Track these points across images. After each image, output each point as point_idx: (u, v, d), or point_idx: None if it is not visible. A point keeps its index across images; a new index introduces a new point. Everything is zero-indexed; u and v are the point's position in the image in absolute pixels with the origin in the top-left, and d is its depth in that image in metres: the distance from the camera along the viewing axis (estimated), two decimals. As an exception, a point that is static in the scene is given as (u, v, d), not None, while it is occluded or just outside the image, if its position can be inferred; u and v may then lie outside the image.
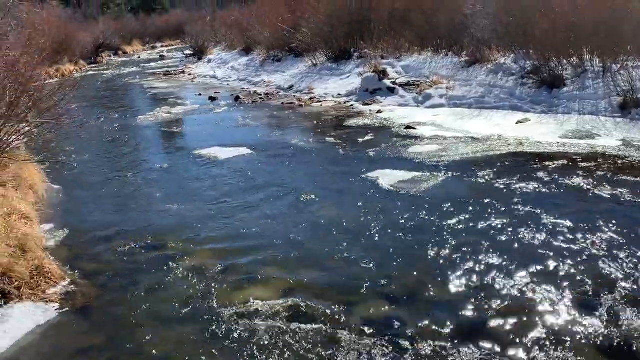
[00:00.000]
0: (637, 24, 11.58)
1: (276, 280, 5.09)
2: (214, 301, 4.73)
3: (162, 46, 44.35)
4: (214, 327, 4.34)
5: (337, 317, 4.42)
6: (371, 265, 5.24)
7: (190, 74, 24.04)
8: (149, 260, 5.62)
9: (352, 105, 14.15)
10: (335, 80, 16.91)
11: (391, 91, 14.30)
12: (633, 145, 8.58)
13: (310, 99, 15.49)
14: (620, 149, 8.46)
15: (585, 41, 12.17)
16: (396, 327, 4.25)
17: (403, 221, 6.21)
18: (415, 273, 5.07)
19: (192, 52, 30.56)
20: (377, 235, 5.92)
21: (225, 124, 12.88)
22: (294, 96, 16.21)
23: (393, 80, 14.70)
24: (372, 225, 6.16)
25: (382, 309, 4.53)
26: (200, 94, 17.46)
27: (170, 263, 5.49)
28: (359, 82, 15.28)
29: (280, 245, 5.82)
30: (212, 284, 5.02)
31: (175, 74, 24.43)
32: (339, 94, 15.47)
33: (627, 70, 10.97)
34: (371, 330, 4.20)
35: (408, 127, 10.95)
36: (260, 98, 16.31)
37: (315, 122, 12.38)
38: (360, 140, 10.35)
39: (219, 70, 23.50)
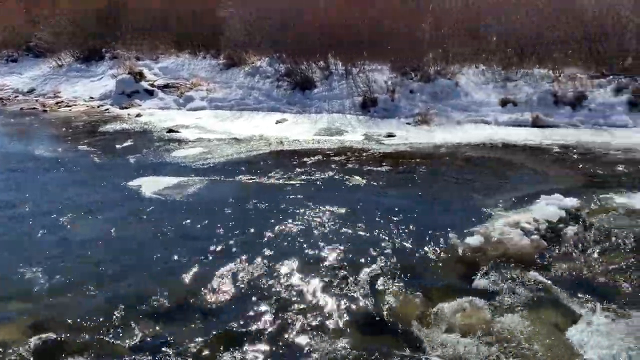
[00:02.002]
0: (372, 33, 13.15)
1: (22, 318, 4.33)
2: None
3: None
4: None
5: (96, 345, 3.95)
6: (129, 282, 4.83)
7: None
8: None
9: (107, 110, 13.08)
10: (85, 83, 15.45)
11: (150, 94, 13.65)
12: (373, 139, 9.71)
13: (57, 103, 13.86)
14: (364, 143, 9.49)
15: (330, 47, 13.36)
16: (164, 344, 3.99)
17: (167, 230, 5.91)
18: (181, 284, 4.85)
19: None
20: (139, 249, 5.50)
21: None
22: (37, 100, 14.33)
23: (151, 82, 14.05)
24: (135, 239, 5.72)
25: (150, 329, 4.20)
26: None
27: None
28: (113, 84, 14.21)
29: (24, 272, 4.99)
30: None
31: None
32: (92, 97, 14.17)
33: (365, 73, 12.41)
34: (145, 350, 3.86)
35: (171, 131, 10.57)
36: (-8, 104, 13.96)
37: (64, 129, 11.07)
38: (119, 146, 9.60)
39: None
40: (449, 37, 12.51)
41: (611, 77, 11.02)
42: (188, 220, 6.12)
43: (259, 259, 5.20)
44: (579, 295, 4.48)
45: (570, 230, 5.61)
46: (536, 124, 10.00)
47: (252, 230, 5.85)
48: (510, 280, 4.72)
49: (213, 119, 11.62)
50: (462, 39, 12.47)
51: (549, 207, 6.05)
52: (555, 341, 3.92)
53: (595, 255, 5.16)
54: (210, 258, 5.26)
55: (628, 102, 10.22)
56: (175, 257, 5.29)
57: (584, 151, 8.45)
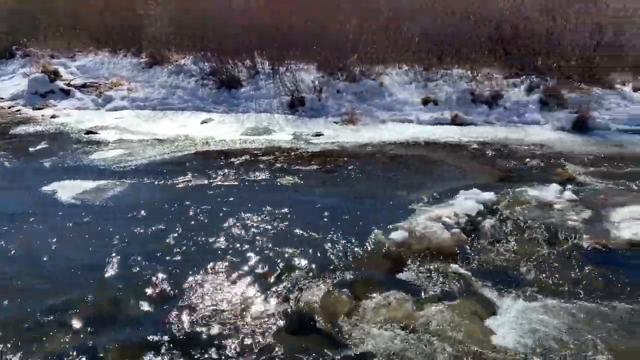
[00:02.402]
0: (298, 33, 13.16)
1: None
2: None
3: None
4: None
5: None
6: (41, 293, 4.56)
7: None
8: None
9: (19, 110, 12.27)
10: (-6, 82, 14.41)
11: (66, 93, 12.94)
12: (302, 138, 9.73)
13: (-39, 104, 12.82)
14: (292, 142, 9.49)
15: (256, 46, 13.25)
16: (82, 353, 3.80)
17: (85, 236, 5.63)
18: (99, 291, 4.63)
19: None
20: (53, 257, 5.21)
21: None
22: (-63, 101, 13.17)
23: (67, 82, 13.32)
24: (49, 247, 5.40)
25: (65, 339, 3.99)
26: None
27: None
28: (25, 84, 13.35)
29: None
30: None
31: None
32: (1, 98, 13.24)
33: (292, 73, 12.41)
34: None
35: (89, 132, 10.07)
36: None
37: (-32, 132, 10.27)
38: (32, 149, 9.03)
39: None
40: (373, 38, 12.75)
41: (524, 77, 11.70)
42: (108, 226, 5.86)
43: (183, 262, 5.07)
44: (497, 284, 4.71)
45: (488, 222, 5.88)
46: (456, 122, 10.41)
47: (175, 233, 5.69)
48: (433, 273, 4.88)
49: (135, 120, 11.19)
50: (385, 40, 12.76)
51: (468, 202, 6.31)
52: (475, 329, 4.09)
53: (511, 245, 5.44)
54: (131, 263, 5.06)
55: (539, 100, 10.87)
56: (93, 264, 5.05)
57: (500, 147, 8.90)
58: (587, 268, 4.97)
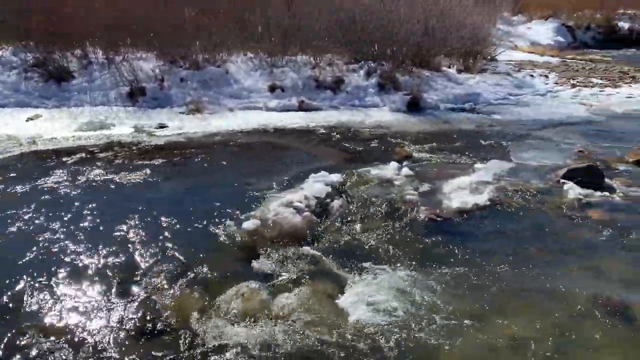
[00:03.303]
0: (132, 21, 12.34)
1: None
2: None
3: None
4: None
5: None
6: None
7: None
8: None
9: None
10: None
11: None
12: (144, 131, 9.19)
13: None
14: (133, 136, 8.91)
15: (87, 34, 12.16)
16: None
17: None
18: None
19: None
20: None
21: None
22: None
23: None
24: None
25: None
26: None
27: None
28: None
29: None
30: None
31: None
32: None
33: (129, 62, 11.63)
34: None
35: None
36: None
37: None
38: None
39: None
40: (213, 28, 12.44)
41: (362, 62, 12.30)
42: None
43: (15, 274, 4.49)
44: (346, 262, 4.89)
45: (336, 203, 6.09)
46: (302, 108, 10.62)
47: (-1, 246, 5.02)
48: (286, 258, 4.92)
49: (-58, 120, 9.66)
50: (225, 28, 12.52)
51: (317, 184, 6.46)
52: (328, 309, 4.20)
53: (357, 223, 5.69)
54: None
55: (377, 84, 11.53)
56: None
57: (345, 130, 9.27)
58: (424, 238, 5.38)
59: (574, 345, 3.81)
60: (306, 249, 5.11)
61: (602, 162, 7.53)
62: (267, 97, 11.05)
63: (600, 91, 12.68)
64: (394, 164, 7.26)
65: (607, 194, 6.46)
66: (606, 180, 6.84)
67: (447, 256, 5.03)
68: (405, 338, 3.84)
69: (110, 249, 5.02)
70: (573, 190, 6.47)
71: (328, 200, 6.18)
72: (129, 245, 5.10)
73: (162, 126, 9.48)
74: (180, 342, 3.80)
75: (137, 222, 5.57)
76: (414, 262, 4.90)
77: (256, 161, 7.73)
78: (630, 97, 12.12)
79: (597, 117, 10.41)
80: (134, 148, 8.22)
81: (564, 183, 6.69)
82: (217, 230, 5.40)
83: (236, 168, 7.39)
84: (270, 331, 3.90)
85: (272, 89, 11.24)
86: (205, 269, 4.73)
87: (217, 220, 5.60)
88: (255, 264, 4.83)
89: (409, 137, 8.87)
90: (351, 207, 6.05)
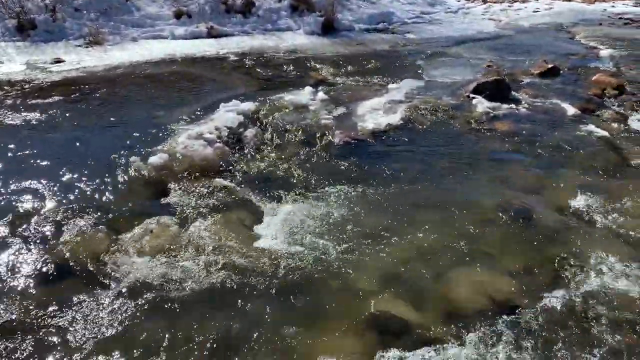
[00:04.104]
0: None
1: None
2: None
3: None
4: None
5: None
6: None
7: None
8: None
9: None
10: None
11: None
12: (38, 67, 8.40)
13: None
14: (26, 73, 8.13)
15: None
16: None
17: None
18: None
19: None
20: None
21: None
22: None
23: None
24: None
25: None
26: None
27: None
28: None
29: None
30: None
31: None
32: None
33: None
34: None
35: None
36: None
37: None
38: None
39: None
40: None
41: (273, -17, 11.70)
42: None
43: None
44: (262, 191, 4.79)
45: (250, 132, 5.90)
46: (212, 34, 10.07)
47: None
48: (196, 192, 4.75)
49: None
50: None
51: (229, 114, 6.22)
52: (243, 238, 4.12)
53: (273, 151, 5.56)
54: None
55: (290, 6, 11.08)
56: None
57: (257, 56, 8.92)
58: (339, 161, 5.36)
59: (479, 251, 3.99)
60: (218, 180, 4.94)
61: (509, 76, 7.74)
62: (173, 25, 10.36)
63: (509, 6, 12.91)
64: (308, 89, 7.10)
65: (513, 106, 6.69)
66: (512, 92, 7.06)
67: (361, 177, 5.05)
68: (320, 259, 3.85)
69: (7, 191, 4.62)
70: (481, 104, 6.63)
71: (241, 129, 5.98)
72: (29, 188, 4.71)
73: (57, 61, 8.70)
74: (89, 283, 3.62)
75: (35, 164, 5.15)
76: (329, 186, 4.88)
77: (163, 93, 7.30)
78: (537, 11, 12.44)
79: (505, 31, 10.63)
80: (26, 86, 7.51)
81: (473, 97, 6.84)
82: (122, 168, 5.09)
83: (141, 102, 6.96)
84: (178, 264, 3.78)
85: (178, 15, 10.54)
86: (111, 208, 4.48)
87: (122, 157, 5.27)
88: (165, 199, 4.63)
89: (323, 60, 8.68)
90: (265, 135, 5.89)
